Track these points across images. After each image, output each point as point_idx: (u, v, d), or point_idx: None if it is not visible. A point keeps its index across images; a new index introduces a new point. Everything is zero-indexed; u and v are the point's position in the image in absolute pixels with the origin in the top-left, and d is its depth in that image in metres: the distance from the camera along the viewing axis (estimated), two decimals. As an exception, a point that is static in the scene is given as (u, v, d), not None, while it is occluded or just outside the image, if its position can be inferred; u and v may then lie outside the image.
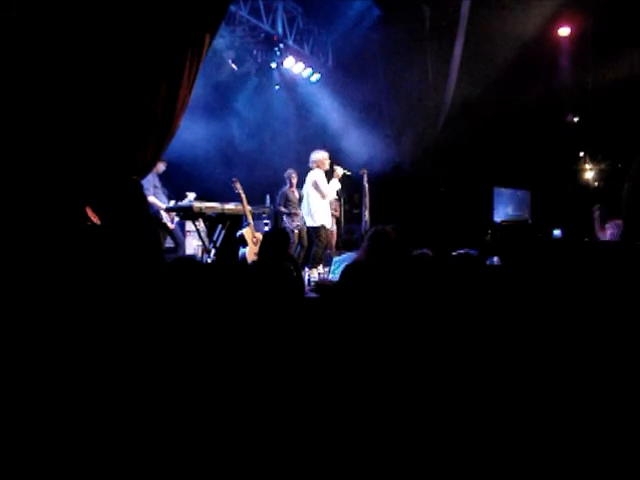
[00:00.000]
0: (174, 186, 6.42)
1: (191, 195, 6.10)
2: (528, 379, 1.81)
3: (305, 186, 6.35)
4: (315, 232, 6.23)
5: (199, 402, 1.72)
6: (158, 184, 6.05)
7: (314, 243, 6.30)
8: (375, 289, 2.33)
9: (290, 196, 6.92)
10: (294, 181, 6.98)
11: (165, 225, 6.00)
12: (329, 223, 6.37)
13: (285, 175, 7.01)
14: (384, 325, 2.04)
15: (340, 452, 1.60)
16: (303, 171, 6.55)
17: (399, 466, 1.59)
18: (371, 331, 2.01)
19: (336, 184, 6.28)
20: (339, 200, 6.89)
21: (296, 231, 6.79)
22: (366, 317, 2.12)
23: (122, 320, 2.06)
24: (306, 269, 6.06)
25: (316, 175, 6.17)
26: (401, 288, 2.33)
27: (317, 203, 6.16)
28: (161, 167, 6.05)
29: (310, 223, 6.25)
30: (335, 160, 6.50)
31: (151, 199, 5.72)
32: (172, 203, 6.07)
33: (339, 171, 6.28)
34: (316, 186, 6.13)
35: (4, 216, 3.16)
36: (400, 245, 2.92)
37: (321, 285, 4.86)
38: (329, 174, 6.31)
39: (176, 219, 6.23)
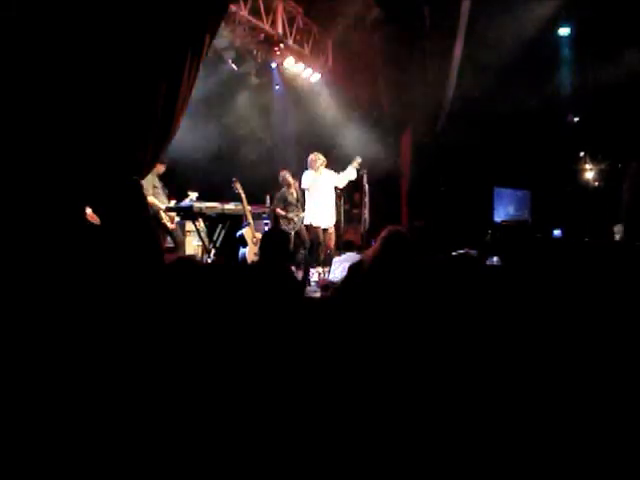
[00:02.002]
0: (174, 186, 6.41)
1: (193, 195, 6.10)
2: (529, 379, 1.81)
3: None
4: (308, 230, 6.49)
5: (199, 403, 1.72)
6: (158, 184, 6.05)
7: (313, 242, 6.38)
8: (378, 290, 2.33)
9: (289, 198, 6.91)
10: (291, 181, 6.94)
11: (165, 225, 5.99)
12: (320, 221, 6.40)
13: (280, 177, 6.95)
14: (384, 325, 2.04)
15: (342, 452, 1.60)
16: (304, 171, 6.62)
17: (401, 466, 1.59)
18: (372, 331, 2.01)
19: (350, 173, 6.52)
20: (340, 199, 6.95)
21: (292, 233, 6.77)
22: (367, 317, 2.11)
23: (121, 320, 2.06)
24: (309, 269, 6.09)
25: (303, 175, 6.46)
26: (404, 289, 2.33)
27: (307, 202, 6.42)
28: (161, 168, 6.06)
29: (305, 222, 6.52)
30: (334, 158, 6.59)
31: (150, 199, 5.71)
32: (173, 203, 6.06)
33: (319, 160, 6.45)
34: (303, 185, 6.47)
35: (4, 216, 3.15)
36: (415, 248, 2.87)
37: (326, 284, 4.89)
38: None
39: (176, 219, 6.22)
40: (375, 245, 2.88)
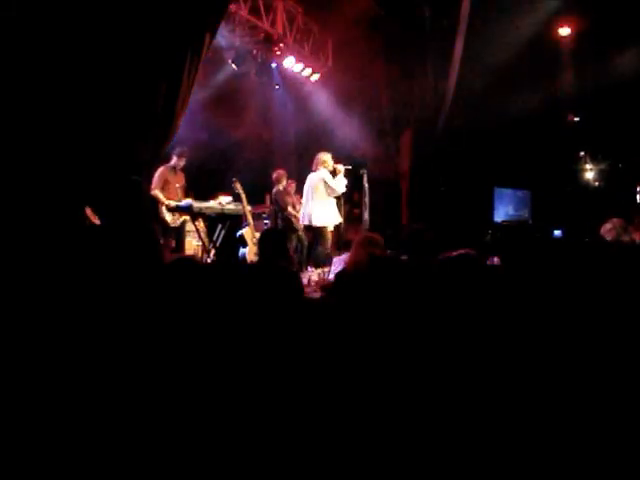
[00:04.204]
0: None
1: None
2: (529, 380, 1.81)
3: (307, 187, 6.30)
4: (320, 232, 6.19)
5: (198, 403, 1.72)
6: (172, 179, 6.00)
7: (318, 243, 6.27)
8: (367, 293, 2.33)
9: (287, 198, 6.89)
10: (285, 182, 6.96)
11: (164, 220, 5.90)
12: (333, 223, 6.31)
13: (274, 176, 6.93)
14: (381, 327, 2.04)
15: (341, 453, 1.60)
16: (304, 171, 6.58)
17: (399, 467, 1.58)
18: (368, 333, 2.01)
19: (342, 179, 6.25)
20: (339, 199, 6.90)
21: (298, 232, 6.76)
22: (362, 319, 2.11)
23: (120, 320, 2.06)
24: (309, 269, 6.06)
25: (323, 174, 6.16)
26: (398, 290, 2.33)
27: (323, 202, 6.15)
28: (181, 162, 6.03)
29: (315, 223, 6.17)
30: (335, 158, 6.51)
31: (154, 193, 5.71)
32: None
33: (341, 167, 6.25)
34: (325, 184, 6.12)
35: (3, 216, 3.15)
36: (379, 249, 2.95)
37: (326, 284, 4.89)
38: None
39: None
40: (351, 250, 2.97)
